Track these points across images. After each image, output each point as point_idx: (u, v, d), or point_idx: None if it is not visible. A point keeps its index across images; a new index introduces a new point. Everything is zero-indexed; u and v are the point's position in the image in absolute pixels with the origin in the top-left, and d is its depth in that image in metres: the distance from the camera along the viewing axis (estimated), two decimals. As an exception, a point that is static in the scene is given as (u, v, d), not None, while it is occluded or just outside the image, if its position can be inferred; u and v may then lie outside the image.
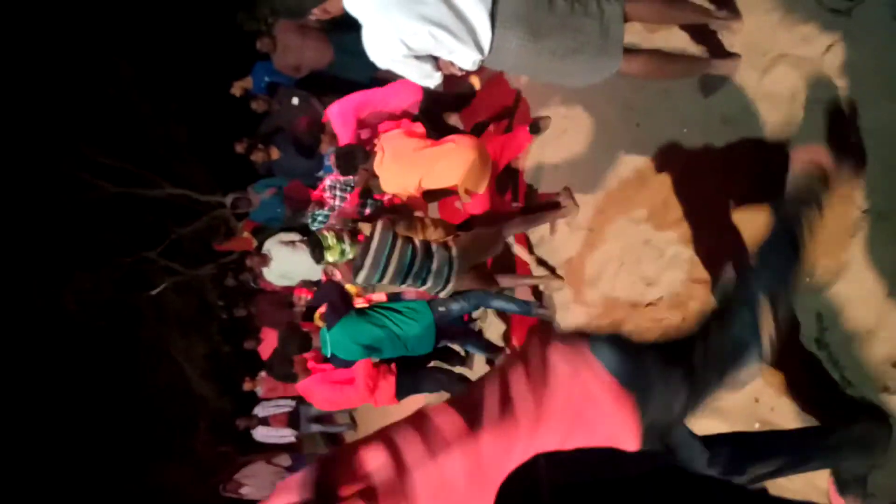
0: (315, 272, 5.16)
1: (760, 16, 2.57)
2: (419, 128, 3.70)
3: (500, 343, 4.45)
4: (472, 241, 3.66)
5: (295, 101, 5.35)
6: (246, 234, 7.17)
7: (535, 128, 4.05)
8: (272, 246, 5.70)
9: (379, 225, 3.44)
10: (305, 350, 3.91)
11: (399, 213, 3.64)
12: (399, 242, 3.44)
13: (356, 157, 3.79)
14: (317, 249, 3.32)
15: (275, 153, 5.58)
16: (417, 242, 3.45)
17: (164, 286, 11.38)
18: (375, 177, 3.77)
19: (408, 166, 3.63)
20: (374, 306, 3.94)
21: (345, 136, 4.37)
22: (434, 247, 3.53)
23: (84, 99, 10.22)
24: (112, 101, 10.52)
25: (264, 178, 6.14)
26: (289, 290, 6.17)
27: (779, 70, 2.48)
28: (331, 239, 3.35)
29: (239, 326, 8.52)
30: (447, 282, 3.50)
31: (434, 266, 3.45)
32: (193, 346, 12.87)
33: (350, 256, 3.40)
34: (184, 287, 12.07)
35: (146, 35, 10.18)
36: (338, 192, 4.71)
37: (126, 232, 11.26)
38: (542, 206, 3.92)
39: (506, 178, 4.40)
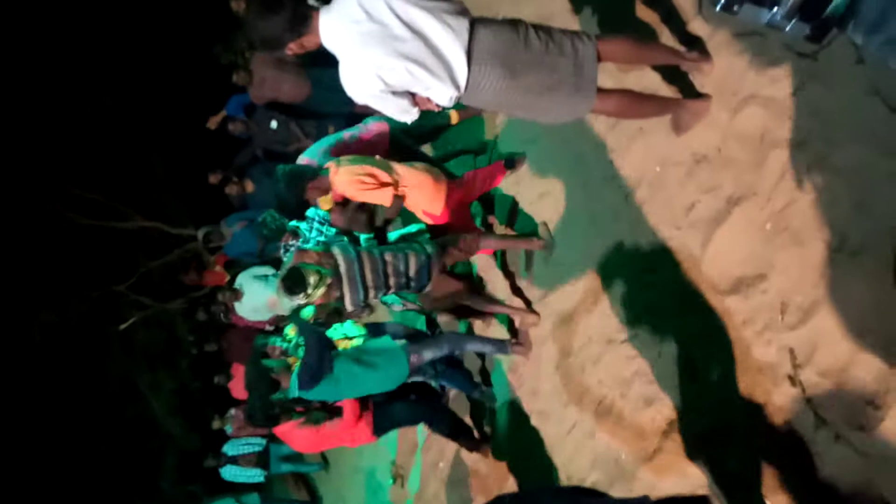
0: (287, 307, 5.08)
1: (730, 58, 2.63)
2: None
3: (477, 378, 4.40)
4: (448, 243, 3.66)
5: (273, 124, 5.34)
6: (218, 268, 7.06)
7: (511, 163, 4.07)
8: (244, 280, 5.61)
9: (337, 250, 3.41)
10: (274, 391, 3.81)
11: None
12: (365, 257, 3.42)
13: (304, 177, 3.72)
14: (297, 286, 3.24)
15: (249, 186, 5.54)
16: (386, 250, 3.44)
17: (132, 320, 11.13)
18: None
19: (345, 187, 3.59)
20: (352, 351, 3.86)
21: None
22: (409, 249, 3.51)
23: (55, 129, 10.10)
24: (85, 131, 10.41)
25: (237, 212, 6.08)
26: (261, 325, 6.06)
27: (749, 110, 2.53)
28: (313, 277, 3.29)
29: (209, 362, 8.33)
30: (428, 275, 3.48)
31: (412, 262, 3.44)
32: (161, 381, 12.56)
33: (320, 291, 3.33)
34: (153, 321, 11.81)
35: (121, 65, 10.14)
36: (315, 225, 4.66)
37: (96, 264, 11.03)
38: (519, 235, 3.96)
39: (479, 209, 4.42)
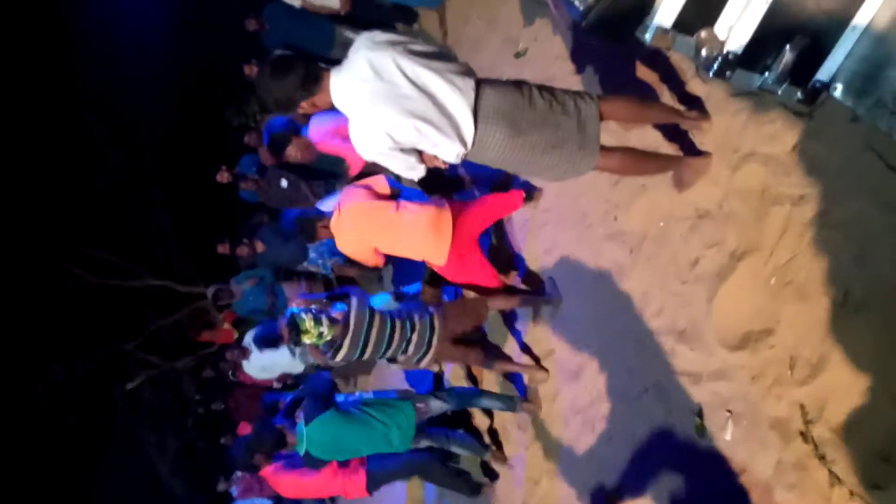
0: (296, 365, 5.07)
1: (728, 116, 2.70)
2: (384, 187, 3.71)
3: (486, 439, 4.34)
4: (456, 309, 3.64)
5: (284, 183, 5.42)
6: (227, 326, 7.07)
7: (529, 196, 4.08)
8: (253, 339, 5.61)
9: (354, 302, 3.42)
10: (280, 448, 3.78)
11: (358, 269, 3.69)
12: (377, 318, 3.41)
13: (313, 225, 3.77)
14: (293, 332, 3.28)
15: (260, 246, 5.60)
16: (395, 313, 3.44)
17: (139, 380, 11.08)
18: None
19: (361, 234, 3.58)
20: (358, 403, 3.84)
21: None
22: (416, 315, 3.50)
23: (66, 186, 10.28)
24: (96, 189, 10.60)
25: (247, 270, 6.13)
26: (268, 383, 6.04)
27: (749, 167, 2.57)
28: (308, 322, 3.30)
29: (215, 421, 8.25)
30: (428, 349, 3.46)
31: (415, 337, 3.43)
32: (167, 440, 12.40)
33: (328, 338, 3.35)
34: (160, 379, 11.75)
35: (133, 125, 10.39)
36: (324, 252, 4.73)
37: (105, 323, 11.07)
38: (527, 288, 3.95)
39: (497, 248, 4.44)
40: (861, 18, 1.53)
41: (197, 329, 7.66)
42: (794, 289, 2.30)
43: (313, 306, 3.41)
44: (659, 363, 2.89)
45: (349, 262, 5.08)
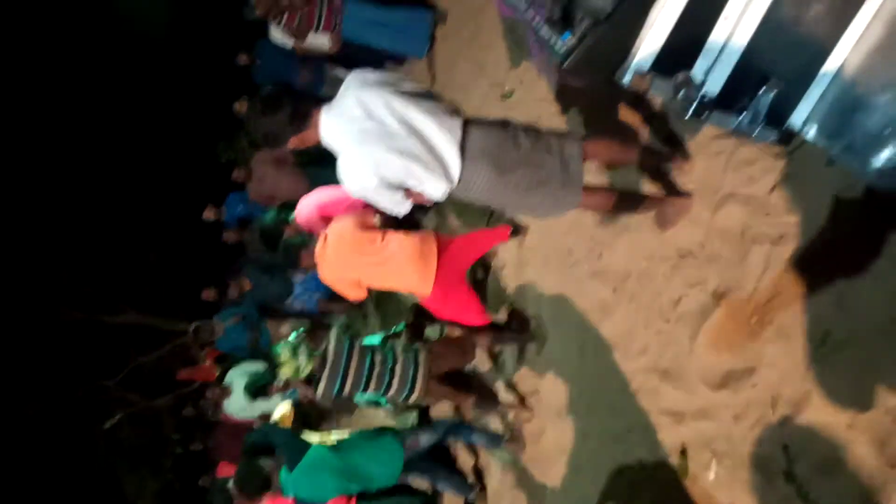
0: (277, 406, 5.01)
1: (709, 158, 2.75)
2: (370, 218, 3.70)
3: (471, 477, 4.27)
4: (443, 347, 3.61)
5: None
6: (208, 364, 6.98)
7: (515, 230, 4.09)
8: (234, 377, 5.54)
9: (333, 333, 3.38)
10: (265, 490, 3.69)
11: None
12: (356, 349, 3.37)
13: (298, 254, 3.75)
14: (270, 367, 3.24)
15: (247, 285, 5.57)
16: (377, 346, 3.39)
17: (117, 418, 10.85)
18: None
19: (345, 266, 3.54)
20: (342, 440, 3.77)
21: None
22: (399, 348, 3.46)
23: (48, 221, 10.21)
24: (79, 224, 10.53)
25: (232, 306, 6.09)
26: (249, 422, 5.92)
27: (729, 207, 2.62)
28: (284, 354, 3.25)
29: (194, 461, 8.07)
30: (412, 387, 3.40)
31: (398, 370, 3.36)
32: (145, 480, 12.07)
33: (307, 371, 3.29)
34: (139, 418, 11.51)
35: (119, 161, 10.38)
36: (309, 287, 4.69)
37: (85, 359, 10.88)
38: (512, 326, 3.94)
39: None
40: (831, 64, 1.59)
41: (179, 366, 7.54)
42: (775, 328, 2.31)
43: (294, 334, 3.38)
44: (643, 402, 2.88)
45: (333, 297, 5.06)
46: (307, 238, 4.05)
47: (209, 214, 6.13)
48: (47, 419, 10.64)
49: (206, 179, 7.05)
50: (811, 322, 2.18)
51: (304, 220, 4.54)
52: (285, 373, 3.26)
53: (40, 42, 9.00)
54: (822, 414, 2.07)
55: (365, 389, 3.44)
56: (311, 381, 3.31)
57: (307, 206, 4.59)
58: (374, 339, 3.82)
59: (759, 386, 2.32)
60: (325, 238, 3.54)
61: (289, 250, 3.79)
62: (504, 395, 3.99)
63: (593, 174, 3.25)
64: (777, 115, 1.62)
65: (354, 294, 3.64)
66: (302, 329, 3.33)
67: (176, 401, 10.20)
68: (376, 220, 3.64)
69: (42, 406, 10.49)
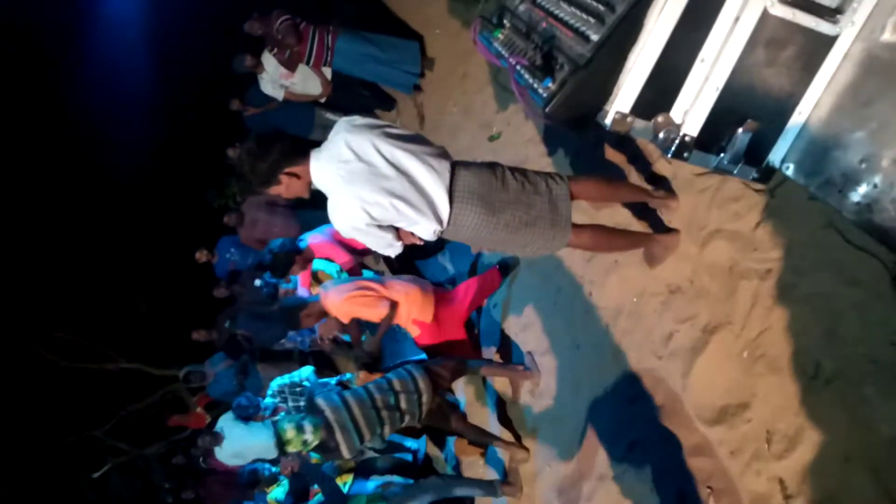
0: (270, 451, 4.93)
1: (694, 195, 2.80)
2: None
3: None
4: (436, 367, 3.61)
5: (257, 282, 5.43)
6: (199, 410, 6.88)
7: (505, 269, 4.12)
8: (225, 423, 5.45)
9: (321, 402, 3.38)
10: None
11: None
12: (352, 401, 3.36)
13: (299, 315, 3.79)
14: (278, 444, 3.25)
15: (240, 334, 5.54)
16: (371, 387, 3.39)
17: (106, 468, 10.62)
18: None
19: (348, 306, 3.65)
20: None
21: (339, 257, 4.44)
22: (394, 378, 3.46)
23: (37, 269, 10.16)
24: (69, 271, 10.48)
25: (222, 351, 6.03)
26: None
27: (716, 244, 2.65)
28: (290, 432, 3.26)
29: (185, 511, 7.85)
30: (420, 411, 3.44)
31: (403, 403, 3.38)
32: (135, 533, 11.74)
33: (315, 444, 3.30)
34: (129, 467, 11.27)
35: (110, 208, 10.39)
36: (288, 397, 4.71)
37: (74, 408, 10.70)
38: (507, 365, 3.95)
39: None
40: (805, 105, 1.64)
41: (169, 413, 7.42)
42: (766, 362, 2.32)
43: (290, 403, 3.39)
44: (639, 440, 2.86)
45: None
46: (304, 301, 4.08)
47: (201, 256, 6.12)
48: (36, 469, 10.40)
49: (197, 226, 7.06)
50: (801, 355, 2.19)
51: (319, 245, 4.53)
52: (293, 449, 3.25)
53: (33, 88, 9.08)
54: (817, 448, 2.06)
55: (383, 428, 3.44)
56: (327, 449, 3.32)
57: (320, 234, 4.60)
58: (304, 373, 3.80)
59: (753, 421, 2.32)
60: (327, 293, 3.64)
61: (287, 312, 3.81)
62: (500, 433, 3.95)
63: (581, 212, 3.29)
64: (755, 154, 1.66)
65: (376, 313, 3.68)
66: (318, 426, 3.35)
67: (166, 449, 10.02)
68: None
69: (30, 456, 10.27)
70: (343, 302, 3.60)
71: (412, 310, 3.71)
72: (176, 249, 7.42)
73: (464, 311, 3.99)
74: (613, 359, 3.12)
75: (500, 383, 4.12)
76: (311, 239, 4.57)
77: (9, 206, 9.55)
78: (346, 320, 3.76)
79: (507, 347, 4.11)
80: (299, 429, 3.28)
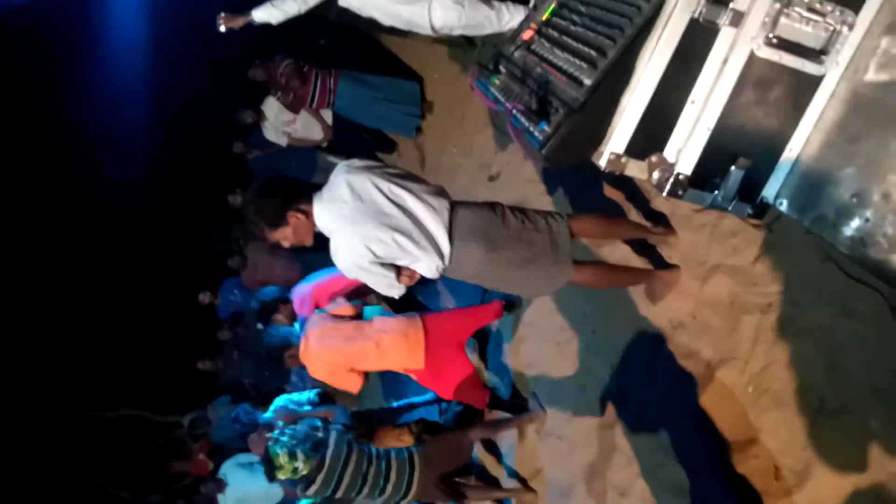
0: (274, 497, 4.86)
1: (693, 231, 2.83)
2: (346, 309, 3.73)
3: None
4: (439, 446, 3.55)
5: (259, 326, 5.45)
6: (202, 457, 6.79)
7: (510, 306, 4.12)
8: (228, 469, 5.39)
9: (333, 437, 3.36)
10: None
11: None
12: (354, 454, 3.34)
13: (281, 355, 3.78)
14: (267, 467, 3.20)
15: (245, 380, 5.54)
16: (374, 450, 3.35)
17: (106, 519, 10.43)
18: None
19: (333, 354, 3.57)
20: None
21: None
22: (393, 454, 3.42)
23: (39, 314, 10.15)
24: (71, 317, 10.48)
25: (225, 395, 6.01)
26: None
27: (716, 279, 2.67)
28: (283, 457, 3.23)
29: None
30: (408, 489, 3.34)
31: (393, 476, 3.33)
32: (135, 587, 11.46)
33: (303, 473, 3.26)
34: (130, 517, 11.06)
35: (112, 251, 10.43)
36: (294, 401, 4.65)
37: (75, 456, 10.57)
38: (509, 411, 3.90)
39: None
40: (796, 142, 1.69)
41: (172, 460, 7.32)
42: (771, 397, 2.32)
43: (289, 431, 3.35)
44: (647, 479, 2.83)
45: (324, 399, 5.01)
46: (288, 340, 4.08)
47: (204, 299, 6.15)
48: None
49: (200, 269, 7.10)
50: (806, 389, 2.19)
51: (299, 301, 4.54)
52: (283, 475, 3.22)
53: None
54: (825, 482, 2.05)
55: (359, 493, 3.39)
56: (307, 481, 3.28)
57: (304, 288, 4.61)
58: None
59: (761, 457, 2.30)
60: (307, 337, 3.60)
61: (271, 353, 3.81)
62: (506, 481, 3.90)
63: (582, 249, 3.31)
64: (749, 191, 1.69)
65: (351, 384, 3.64)
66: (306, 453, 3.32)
67: (168, 497, 9.86)
68: (351, 307, 3.70)
69: (30, 506, 10.10)
70: (317, 364, 3.60)
71: (400, 360, 3.61)
72: (178, 292, 7.43)
73: (459, 337, 3.90)
74: (619, 395, 3.10)
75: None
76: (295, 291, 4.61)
77: (9, 250, 9.61)
78: (318, 377, 3.76)
79: (512, 389, 4.08)
80: (292, 456, 3.25)
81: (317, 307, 4.14)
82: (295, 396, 4.65)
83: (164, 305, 9.92)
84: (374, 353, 3.55)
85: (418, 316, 3.64)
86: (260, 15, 4.12)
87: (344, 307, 3.73)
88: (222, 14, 4.13)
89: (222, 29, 4.14)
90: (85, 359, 10.69)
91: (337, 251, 2.50)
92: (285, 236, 2.58)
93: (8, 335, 9.73)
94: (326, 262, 2.62)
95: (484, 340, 4.47)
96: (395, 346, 3.52)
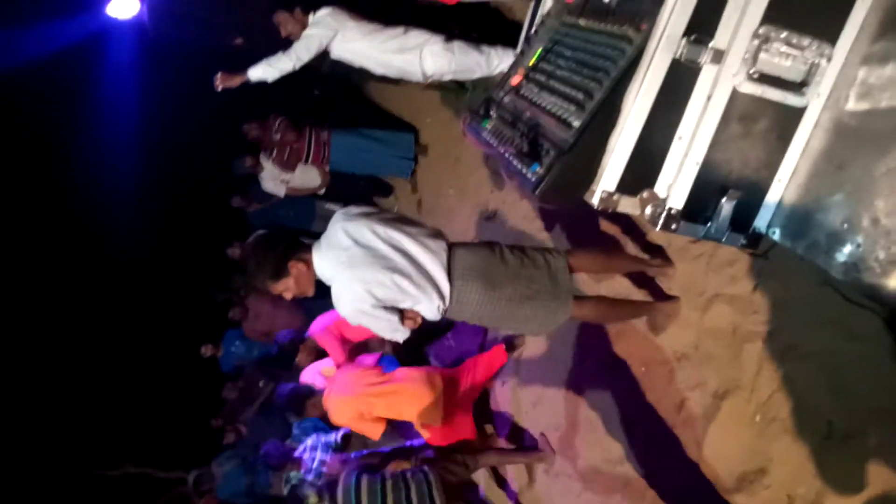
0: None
1: (690, 261, 2.85)
2: (370, 359, 3.75)
3: None
4: (445, 461, 3.52)
5: (261, 383, 5.43)
6: (205, 515, 6.66)
7: (511, 346, 4.10)
8: None
9: (342, 477, 3.33)
10: None
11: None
12: (364, 485, 3.29)
13: (304, 402, 3.78)
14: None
15: (244, 430, 5.49)
16: (388, 475, 3.31)
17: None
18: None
19: (356, 400, 3.62)
20: None
21: (334, 352, 4.37)
22: (408, 474, 3.38)
23: (44, 378, 10.10)
24: (73, 374, 10.42)
25: (228, 449, 5.93)
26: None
27: (716, 308, 2.68)
28: (312, 498, 3.20)
29: None
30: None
31: (414, 496, 3.28)
32: None
33: None
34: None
35: (112, 306, 10.43)
36: (318, 454, 4.58)
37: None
38: (518, 448, 3.87)
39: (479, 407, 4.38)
40: (784, 172, 1.72)
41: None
42: (779, 425, 2.31)
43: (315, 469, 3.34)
44: (660, 515, 2.80)
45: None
46: (313, 389, 4.10)
47: (206, 351, 6.13)
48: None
49: (201, 321, 7.11)
50: (813, 415, 2.18)
51: (319, 332, 4.51)
52: None
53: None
54: (840, 509, 2.02)
55: None
56: None
57: (323, 321, 4.59)
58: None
59: (773, 486, 2.28)
60: (330, 384, 3.62)
61: (294, 399, 3.81)
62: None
63: (581, 284, 3.33)
64: (741, 222, 1.72)
65: (374, 430, 3.64)
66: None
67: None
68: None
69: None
70: (340, 409, 3.61)
71: (421, 414, 3.63)
72: (180, 346, 7.41)
73: (470, 398, 3.98)
74: (627, 429, 3.08)
75: (516, 467, 4.04)
76: (313, 328, 4.59)
77: (10, 307, 9.61)
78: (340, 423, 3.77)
79: (518, 427, 4.05)
80: (321, 498, 3.23)
81: (342, 336, 4.18)
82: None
83: (166, 359, 9.88)
84: (395, 402, 3.57)
85: (437, 373, 3.69)
86: (256, 73, 4.22)
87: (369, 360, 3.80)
88: (219, 74, 4.22)
89: (219, 88, 4.23)
90: (86, 417, 10.59)
91: (339, 297, 2.51)
92: (288, 287, 2.58)
93: (9, 393, 9.66)
94: (330, 308, 2.63)
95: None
96: (418, 397, 3.56)
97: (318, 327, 4.58)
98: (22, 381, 10.02)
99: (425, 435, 3.74)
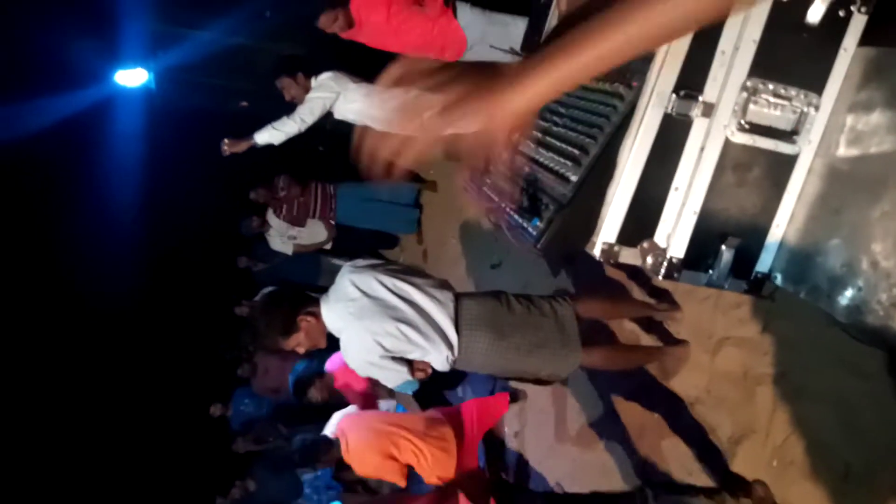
0: None
1: (697, 305, 2.86)
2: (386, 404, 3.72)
3: None
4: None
5: (271, 439, 5.40)
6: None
7: (514, 396, 4.07)
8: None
9: None
10: None
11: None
12: None
13: (318, 451, 3.72)
14: None
15: (251, 486, 5.42)
16: None
17: None
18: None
19: (375, 440, 3.51)
20: None
21: (356, 384, 4.35)
22: None
23: (53, 446, 10.02)
24: (81, 441, 10.33)
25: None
26: None
27: (726, 351, 2.68)
28: None
29: None
30: None
31: None
32: None
33: None
34: None
35: (121, 370, 10.41)
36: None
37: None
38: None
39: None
40: (781, 217, 1.75)
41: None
42: (796, 469, 2.28)
43: None
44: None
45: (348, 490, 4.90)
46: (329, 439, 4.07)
47: (215, 411, 6.11)
48: None
49: (210, 383, 7.11)
50: (829, 456, 2.16)
51: (339, 369, 4.48)
52: None
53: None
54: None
55: None
56: None
57: (340, 357, 4.56)
58: None
59: (795, 533, 2.24)
60: (344, 436, 3.57)
61: (307, 449, 3.78)
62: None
63: (589, 332, 3.33)
64: (742, 268, 1.74)
65: (398, 476, 3.56)
66: None
67: None
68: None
69: None
70: (362, 455, 3.55)
71: (436, 468, 3.54)
72: (189, 407, 7.38)
73: (474, 441, 3.91)
74: (642, 478, 3.04)
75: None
76: (330, 364, 4.58)
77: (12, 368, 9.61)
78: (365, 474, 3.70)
79: (533, 479, 4.00)
80: None
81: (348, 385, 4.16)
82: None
83: (175, 421, 9.81)
84: (423, 459, 3.54)
85: (446, 421, 3.65)
86: (262, 137, 4.33)
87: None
88: (226, 140, 4.33)
89: (227, 153, 4.33)
90: (98, 480, 10.46)
91: (347, 349, 2.53)
92: (299, 342, 2.61)
93: (14, 466, 9.58)
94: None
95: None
96: (438, 450, 3.54)
97: (335, 364, 4.57)
98: (32, 443, 9.94)
99: (434, 482, 3.69)
